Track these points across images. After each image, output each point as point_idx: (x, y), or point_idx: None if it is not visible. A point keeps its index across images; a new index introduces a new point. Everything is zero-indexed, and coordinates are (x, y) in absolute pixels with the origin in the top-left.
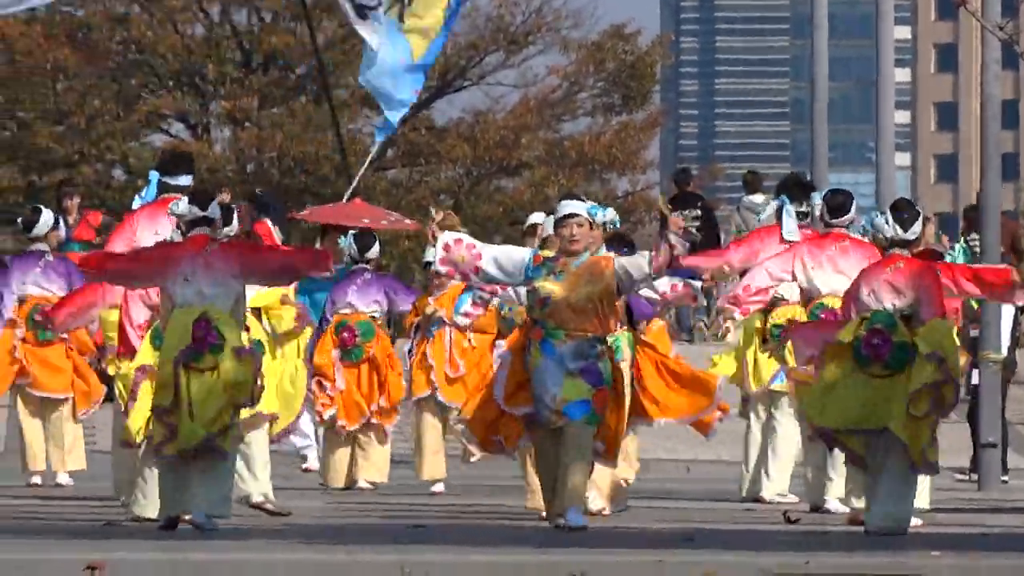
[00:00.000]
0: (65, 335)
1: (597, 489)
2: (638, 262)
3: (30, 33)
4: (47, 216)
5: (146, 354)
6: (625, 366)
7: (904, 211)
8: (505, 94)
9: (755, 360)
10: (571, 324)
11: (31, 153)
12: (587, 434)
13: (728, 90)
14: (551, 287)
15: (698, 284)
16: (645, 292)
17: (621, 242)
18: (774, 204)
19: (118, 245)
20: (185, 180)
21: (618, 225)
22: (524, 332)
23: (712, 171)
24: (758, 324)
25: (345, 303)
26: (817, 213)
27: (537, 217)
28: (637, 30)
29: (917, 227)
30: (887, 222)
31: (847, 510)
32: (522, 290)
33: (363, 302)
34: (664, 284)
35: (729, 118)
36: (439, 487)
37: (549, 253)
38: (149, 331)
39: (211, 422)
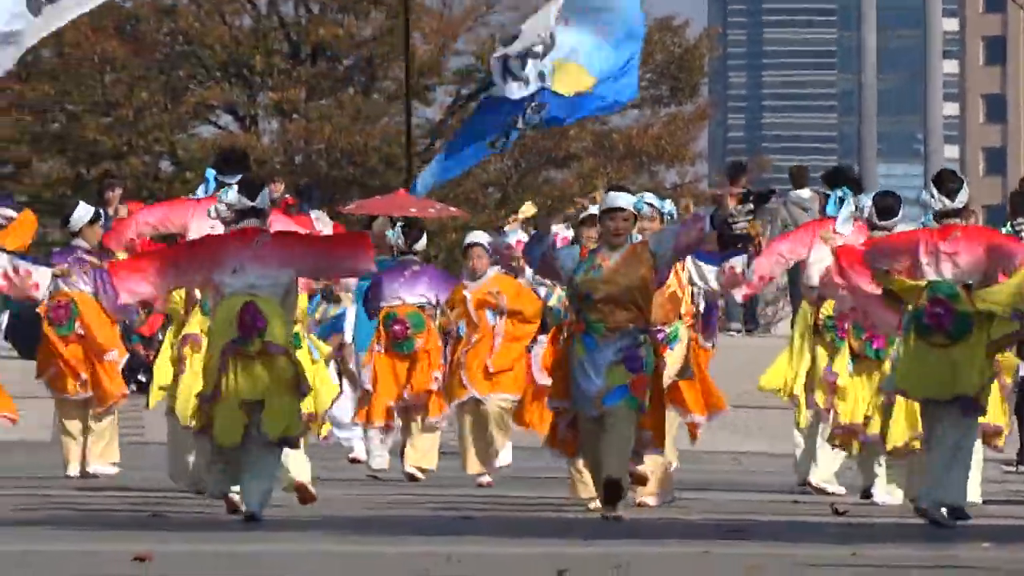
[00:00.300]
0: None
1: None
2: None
3: (78, 25)
4: (81, 211)
5: (193, 324)
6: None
7: (948, 181)
8: None
9: (810, 352)
10: (612, 317)
11: (79, 145)
12: (627, 419)
13: (776, 82)
14: (591, 281)
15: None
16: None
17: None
18: (845, 198)
19: (153, 214)
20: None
21: (675, 216)
22: (567, 325)
23: (759, 163)
24: (810, 317)
25: (394, 295)
26: (866, 214)
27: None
28: (685, 22)
29: (964, 195)
30: (933, 196)
31: (895, 501)
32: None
33: (411, 294)
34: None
35: (777, 110)
36: (486, 479)
37: (592, 245)
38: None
39: (274, 417)
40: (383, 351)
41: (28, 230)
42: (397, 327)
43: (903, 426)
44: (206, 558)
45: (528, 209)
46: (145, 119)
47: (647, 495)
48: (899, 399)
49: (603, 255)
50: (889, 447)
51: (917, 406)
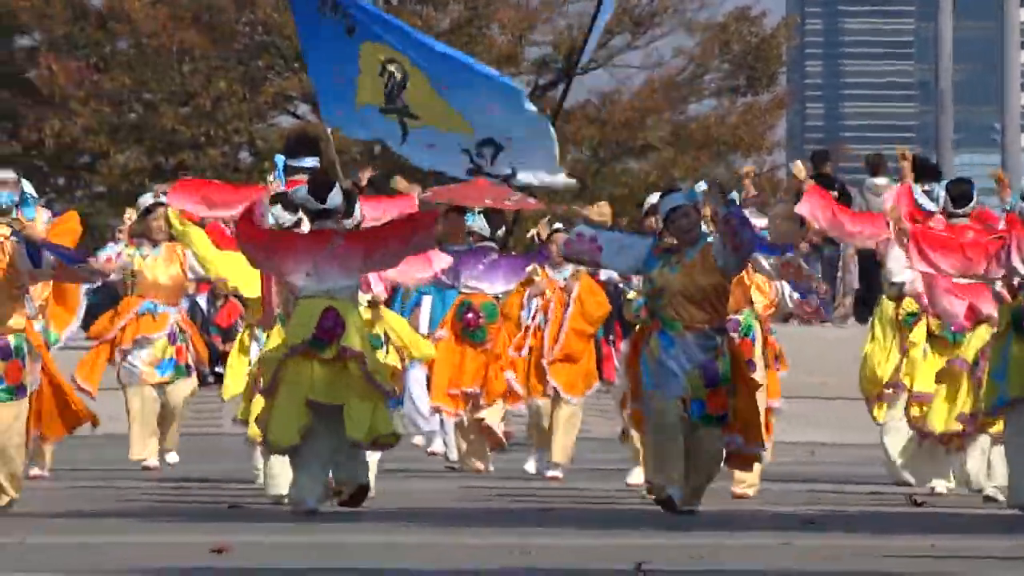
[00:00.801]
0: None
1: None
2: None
3: (155, 15)
4: (142, 202)
5: (274, 339)
6: (758, 347)
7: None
8: (631, 76)
9: (899, 350)
10: (687, 315)
11: (157, 135)
12: (712, 437)
13: (853, 72)
14: (666, 278)
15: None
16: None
17: None
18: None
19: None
20: (310, 162)
21: (738, 201)
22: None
23: (840, 151)
24: (891, 313)
25: (470, 282)
26: (940, 203)
27: (655, 198)
28: (762, 12)
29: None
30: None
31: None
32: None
33: (487, 282)
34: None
35: (855, 99)
36: (557, 472)
37: (670, 243)
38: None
39: (358, 421)
40: (452, 338)
41: (68, 232)
42: (470, 315)
43: (943, 408)
44: (283, 549)
45: (602, 211)
46: (223, 109)
47: (747, 487)
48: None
49: (679, 253)
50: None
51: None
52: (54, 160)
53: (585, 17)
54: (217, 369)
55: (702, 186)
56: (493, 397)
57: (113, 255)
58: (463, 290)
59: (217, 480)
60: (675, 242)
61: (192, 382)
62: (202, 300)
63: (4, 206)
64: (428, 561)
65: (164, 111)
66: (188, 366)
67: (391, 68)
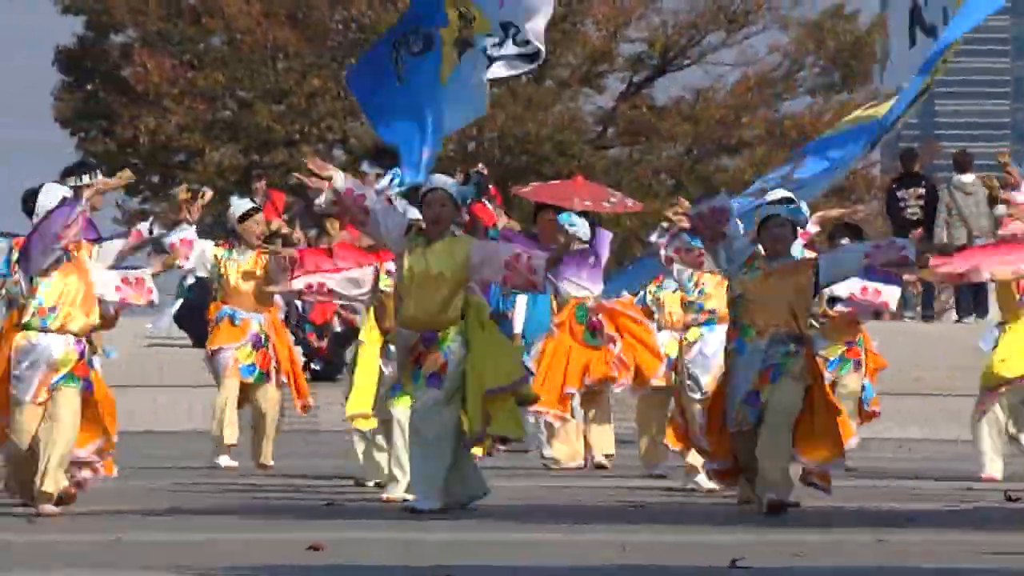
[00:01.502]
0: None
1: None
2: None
3: (250, 12)
4: (235, 206)
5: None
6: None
7: None
8: (725, 73)
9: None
10: (762, 320)
11: (251, 133)
12: (781, 422)
13: (948, 69)
14: (745, 284)
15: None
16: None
17: (848, 230)
18: None
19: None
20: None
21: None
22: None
23: (930, 149)
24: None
25: (580, 285)
26: None
27: None
28: (857, 10)
29: None
30: None
31: None
32: None
33: (597, 285)
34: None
35: (949, 97)
36: (661, 469)
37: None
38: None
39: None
40: (571, 340)
41: None
42: (595, 319)
43: None
44: (379, 546)
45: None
46: (317, 107)
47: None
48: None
49: (763, 260)
50: None
51: None
52: (149, 158)
53: (680, 14)
54: (313, 366)
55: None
56: (599, 379)
57: (186, 239)
58: (574, 293)
59: (315, 477)
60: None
61: (273, 389)
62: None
63: None
64: (524, 558)
65: (258, 108)
66: (267, 373)
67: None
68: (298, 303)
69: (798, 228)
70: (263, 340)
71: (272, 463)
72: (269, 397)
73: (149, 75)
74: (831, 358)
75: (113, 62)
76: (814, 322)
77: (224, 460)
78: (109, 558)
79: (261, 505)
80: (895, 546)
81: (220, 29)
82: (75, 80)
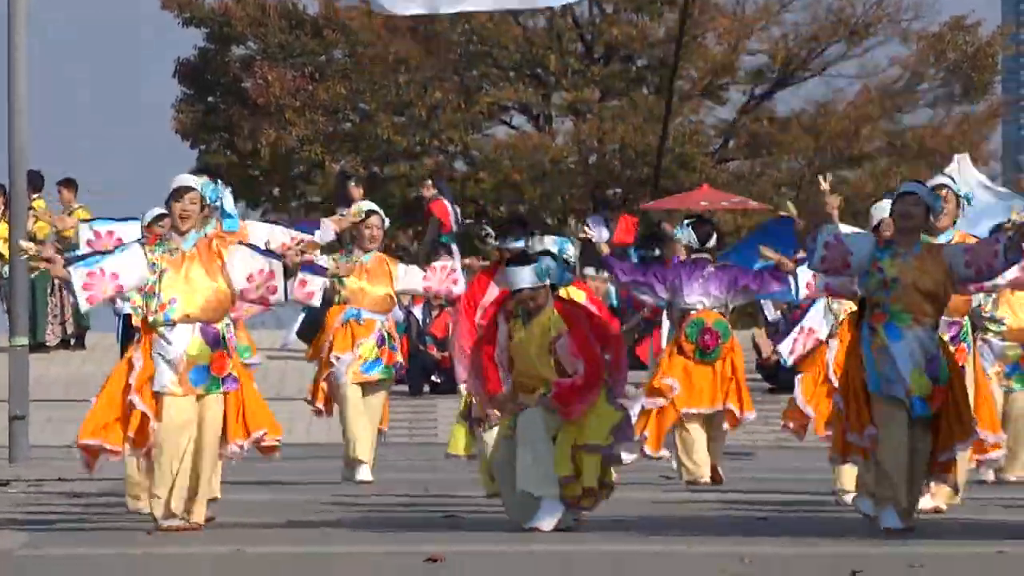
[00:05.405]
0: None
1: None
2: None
3: (371, 25)
4: (357, 207)
5: None
6: (971, 357)
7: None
8: (846, 85)
9: None
10: (917, 308)
11: (372, 145)
12: (923, 437)
13: None
14: (900, 268)
15: None
16: None
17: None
18: None
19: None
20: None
21: (971, 202)
22: (857, 317)
23: None
24: None
25: (695, 299)
26: None
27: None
28: (977, 22)
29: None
30: None
31: None
32: None
33: (710, 298)
34: None
35: None
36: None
37: (888, 234)
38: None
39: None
40: (687, 358)
41: None
42: (708, 337)
43: None
44: (497, 559)
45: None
46: (439, 119)
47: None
48: None
49: (903, 244)
50: None
51: None
52: (269, 170)
53: (801, 26)
54: (433, 378)
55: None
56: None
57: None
58: (690, 306)
59: (433, 490)
60: (890, 234)
61: (386, 388)
62: (417, 311)
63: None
64: (642, 570)
65: (379, 120)
66: (394, 367)
67: None
68: (419, 316)
69: (931, 215)
70: (386, 339)
71: (366, 460)
72: (378, 392)
73: (270, 87)
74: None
75: (234, 74)
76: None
77: (362, 473)
78: (230, 571)
79: (380, 518)
80: (1017, 559)
81: (341, 42)
82: (196, 93)
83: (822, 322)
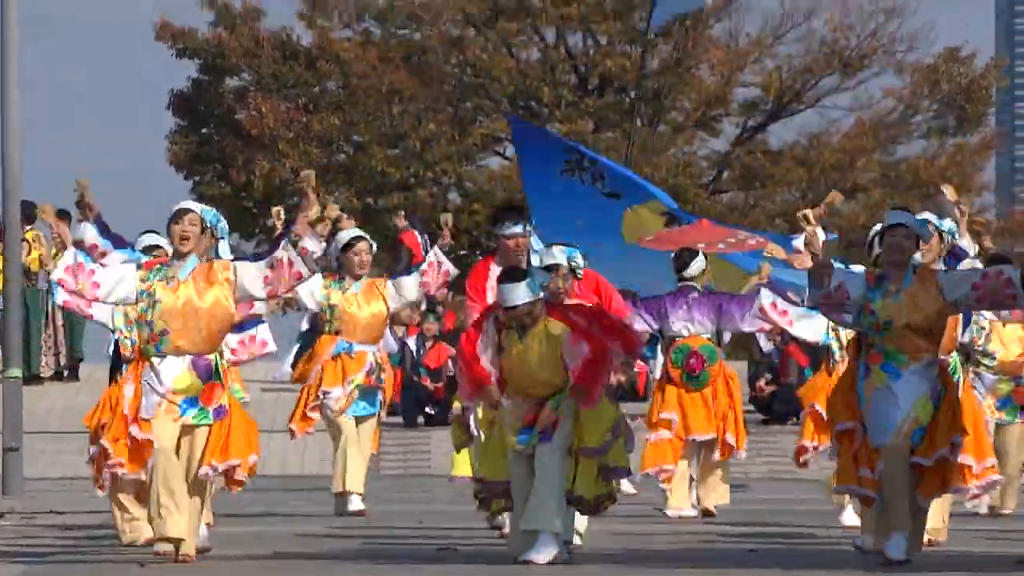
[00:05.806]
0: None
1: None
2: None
3: (365, 56)
4: (342, 236)
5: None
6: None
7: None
8: (840, 117)
9: None
10: (912, 347)
11: (366, 176)
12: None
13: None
14: (891, 310)
15: None
16: None
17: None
18: None
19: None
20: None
21: (956, 236)
22: (852, 355)
23: None
24: None
25: (680, 326)
26: None
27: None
28: (972, 53)
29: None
30: None
31: None
32: None
33: (695, 324)
34: None
35: None
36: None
37: (876, 271)
38: None
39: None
40: (677, 386)
41: None
42: (693, 360)
43: None
44: None
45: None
46: (432, 150)
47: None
48: None
49: (894, 279)
50: None
51: None
52: (263, 201)
53: (795, 58)
54: (427, 410)
55: (947, 223)
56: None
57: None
58: (676, 332)
59: (427, 523)
60: (880, 269)
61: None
62: (411, 342)
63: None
64: None
65: (373, 152)
66: (378, 396)
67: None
68: (412, 347)
69: (921, 241)
70: (375, 369)
71: (358, 491)
72: (367, 423)
73: (264, 118)
74: (998, 397)
75: (227, 106)
76: (983, 360)
77: (354, 503)
78: None
79: (374, 550)
80: None
81: (335, 73)
82: (189, 124)
83: (809, 326)
